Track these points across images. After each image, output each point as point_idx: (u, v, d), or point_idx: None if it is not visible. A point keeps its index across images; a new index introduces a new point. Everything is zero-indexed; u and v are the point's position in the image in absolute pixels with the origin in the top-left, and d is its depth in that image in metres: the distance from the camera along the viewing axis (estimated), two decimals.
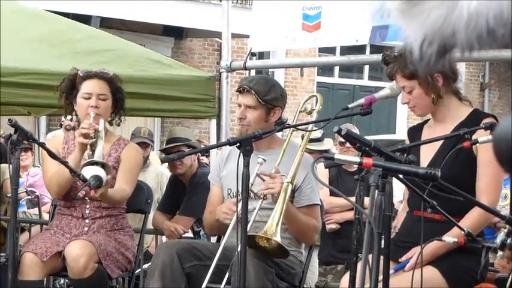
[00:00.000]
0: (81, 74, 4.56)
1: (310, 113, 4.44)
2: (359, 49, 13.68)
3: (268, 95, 4.24)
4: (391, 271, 3.50)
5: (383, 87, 3.90)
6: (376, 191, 2.64)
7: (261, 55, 11.42)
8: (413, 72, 3.67)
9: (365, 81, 16.89)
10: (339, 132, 3.23)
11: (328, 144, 7.05)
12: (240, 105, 4.32)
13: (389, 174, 2.60)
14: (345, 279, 3.56)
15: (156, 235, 6.10)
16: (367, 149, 3.02)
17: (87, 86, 4.52)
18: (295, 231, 4.28)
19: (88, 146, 4.33)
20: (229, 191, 4.36)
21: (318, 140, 7.12)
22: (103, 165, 4.19)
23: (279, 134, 4.40)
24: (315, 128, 6.48)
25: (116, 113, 4.67)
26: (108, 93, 4.55)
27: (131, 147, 4.72)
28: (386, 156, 2.97)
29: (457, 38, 1.60)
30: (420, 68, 1.92)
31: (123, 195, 4.49)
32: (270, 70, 12.56)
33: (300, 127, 4.30)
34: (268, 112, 4.27)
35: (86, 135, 4.34)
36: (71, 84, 4.58)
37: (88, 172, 4.12)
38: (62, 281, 6.41)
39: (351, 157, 2.67)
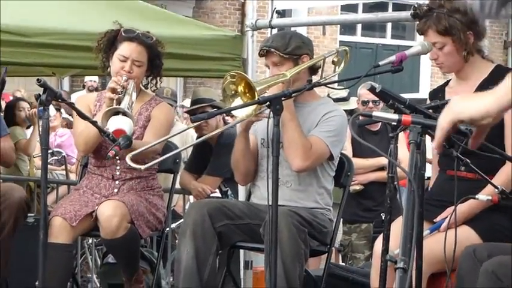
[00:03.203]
0: (123, 34, 4.46)
1: (335, 64, 4.42)
2: (381, 7, 13.52)
3: (288, 46, 4.22)
4: (427, 231, 3.46)
5: (406, 46, 3.83)
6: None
7: (282, 14, 11.33)
8: (448, 28, 3.60)
9: (388, 40, 16.73)
10: (372, 89, 3.16)
11: (353, 103, 7.00)
12: (268, 66, 4.30)
13: (428, 132, 2.55)
14: (379, 241, 3.48)
15: (184, 195, 6.09)
16: (402, 106, 2.97)
17: (125, 49, 4.42)
18: (284, 138, 4.10)
19: (114, 102, 4.23)
20: (263, 140, 4.33)
21: (344, 99, 7.07)
22: (126, 115, 4.09)
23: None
24: (341, 87, 6.41)
25: (151, 79, 4.62)
26: (144, 60, 4.46)
27: (163, 106, 4.64)
28: (422, 113, 2.91)
29: None
30: (481, 18, 1.86)
31: (150, 148, 4.29)
32: (292, 29, 12.45)
33: (329, 85, 4.24)
34: (296, 63, 4.24)
35: (113, 90, 4.27)
36: (112, 39, 4.49)
37: (114, 122, 4.05)
38: (90, 241, 6.45)
39: (388, 114, 2.61)
